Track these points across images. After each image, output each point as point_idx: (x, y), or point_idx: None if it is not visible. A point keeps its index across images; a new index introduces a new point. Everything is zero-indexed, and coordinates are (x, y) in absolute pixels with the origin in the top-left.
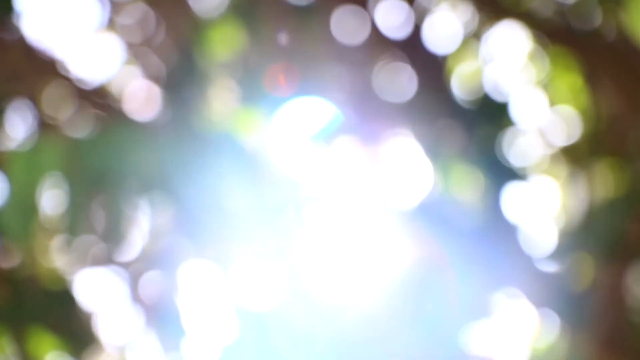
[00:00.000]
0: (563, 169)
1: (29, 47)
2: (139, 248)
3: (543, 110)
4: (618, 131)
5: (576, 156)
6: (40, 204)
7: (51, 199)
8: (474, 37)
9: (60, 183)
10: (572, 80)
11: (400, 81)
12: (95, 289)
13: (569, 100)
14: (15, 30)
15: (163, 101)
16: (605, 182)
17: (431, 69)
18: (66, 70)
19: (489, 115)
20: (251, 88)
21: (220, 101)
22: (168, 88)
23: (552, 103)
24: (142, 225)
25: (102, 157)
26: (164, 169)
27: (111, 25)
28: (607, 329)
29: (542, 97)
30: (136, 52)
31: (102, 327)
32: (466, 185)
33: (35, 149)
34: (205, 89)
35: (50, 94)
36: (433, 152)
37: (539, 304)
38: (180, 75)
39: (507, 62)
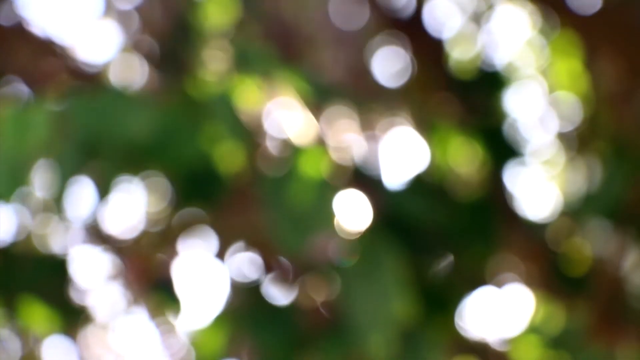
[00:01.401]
0: (562, 155)
1: (25, 30)
2: (134, 222)
3: (542, 96)
4: (619, 101)
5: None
6: (31, 168)
7: (42, 165)
8: (474, 20)
9: (51, 147)
10: (572, 66)
11: (399, 60)
12: (88, 261)
13: (568, 86)
14: (13, 13)
15: (157, 68)
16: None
17: (430, 47)
18: (63, 52)
19: (488, 87)
20: (247, 56)
21: (216, 68)
22: (163, 55)
23: (552, 89)
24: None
25: (94, 121)
26: (158, 135)
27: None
28: (606, 302)
29: (541, 83)
30: (132, 31)
31: (95, 299)
32: (464, 158)
33: (24, 110)
34: (200, 56)
35: (45, 74)
36: (431, 125)
37: (536, 277)
38: (175, 42)
39: (508, 44)
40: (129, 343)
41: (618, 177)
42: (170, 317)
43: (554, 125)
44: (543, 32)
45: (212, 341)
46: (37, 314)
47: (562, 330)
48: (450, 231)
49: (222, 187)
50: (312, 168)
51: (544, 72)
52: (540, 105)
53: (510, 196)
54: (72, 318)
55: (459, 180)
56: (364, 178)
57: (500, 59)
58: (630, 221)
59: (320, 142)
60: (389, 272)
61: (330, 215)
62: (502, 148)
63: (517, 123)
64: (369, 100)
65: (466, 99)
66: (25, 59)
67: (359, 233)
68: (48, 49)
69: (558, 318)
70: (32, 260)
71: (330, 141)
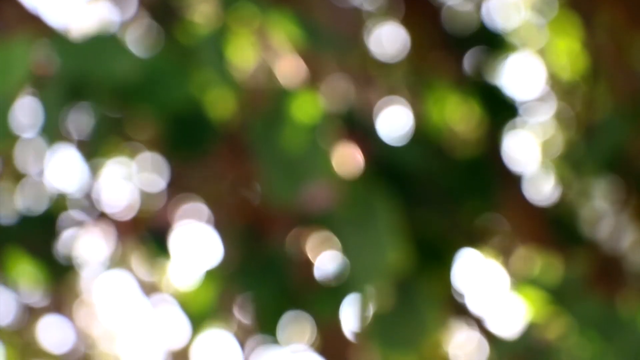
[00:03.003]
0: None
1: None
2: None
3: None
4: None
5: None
6: (15, 108)
7: (26, 106)
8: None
9: (36, 85)
10: (570, 45)
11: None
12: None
13: (567, 66)
14: None
15: (146, 13)
16: None
17: (427, 7)
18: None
19: (485, 45)
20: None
21: (205, 11)
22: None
23: (550, 68)
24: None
25: (79, 62)
26: (145, 78)
27: None
28: (604, 253)
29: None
30: None
31: (83, 253)
32: (461, 116)
33: (7, 49)
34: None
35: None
36: (427, 83)
37: (533, 233)
38: None
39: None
40: (116, 307)
41: (617, 128)
42: (160, 273)
43: (552, 105)
44: (542, 11)
45: (203, 297)
46: (24, 269)
47: (560, 282)
48: (447, 187)
49: (211, 134)
50: (304, 113)
51: (542, 52)
52: (538, 85)
53: (507, 154)
54: (60, 273)
55: (455, 138)
56: (357, 125)
57: (499, 29)
58: (629, 172)
59: (312, 87)
60: (383, 221)
61: (323, 161)
62: (499, 106)
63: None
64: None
65: (463, 57)
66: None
67: (352, 181)
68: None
69: (556, 271)
70: (19, 214)
71: (323, 87)
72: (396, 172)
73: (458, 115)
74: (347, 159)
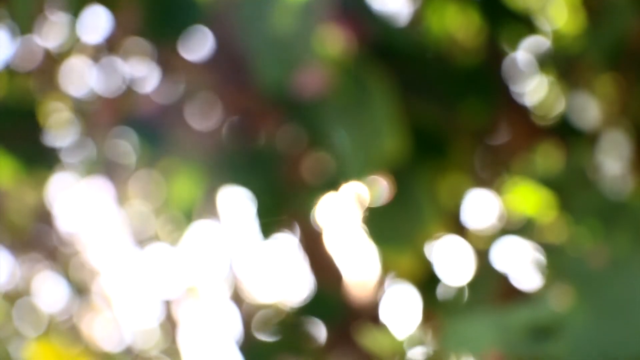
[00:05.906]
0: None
1: None
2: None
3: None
4: None
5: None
6: None
7: None
8: None
9: None
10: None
11: None
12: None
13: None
14: None
15: None
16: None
17: None
18: None
19: None
20: None
21: None
22: None
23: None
24: None
25: None
26: None
27: None
28: None
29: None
30: None
31: (66, 149)
32: (461, 25)
33: None
34: None
35: None
36: None
37: (532, 131)
38: None
39: None
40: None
41: (620, 16)
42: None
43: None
44: None
45: (189, 191)
46: (3, 164)
47: (559, 174)
48: (445, 88)
49: (196, 15)
50: None
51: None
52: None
53: (507, 62)
54: (42, 169)
55: (455, 46)
56: (350, 3)
57: None
58: (631, 62)
59: None
60: (379, 105)
61: (314, 42)
62: (499, 15)
63: None
64: None
65: None
66: None
67: (346, 63)
68: None
69: (555, 164)
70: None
71: None
72: (393, 54)
73: (458, 24)
74: (341, 39)
